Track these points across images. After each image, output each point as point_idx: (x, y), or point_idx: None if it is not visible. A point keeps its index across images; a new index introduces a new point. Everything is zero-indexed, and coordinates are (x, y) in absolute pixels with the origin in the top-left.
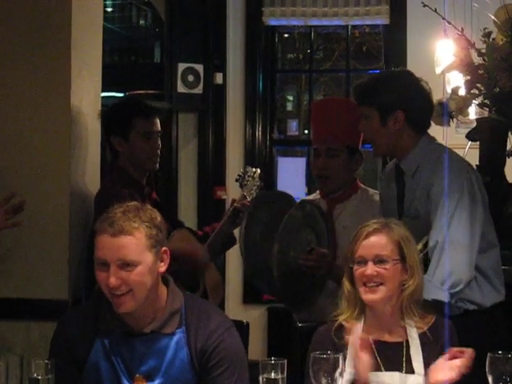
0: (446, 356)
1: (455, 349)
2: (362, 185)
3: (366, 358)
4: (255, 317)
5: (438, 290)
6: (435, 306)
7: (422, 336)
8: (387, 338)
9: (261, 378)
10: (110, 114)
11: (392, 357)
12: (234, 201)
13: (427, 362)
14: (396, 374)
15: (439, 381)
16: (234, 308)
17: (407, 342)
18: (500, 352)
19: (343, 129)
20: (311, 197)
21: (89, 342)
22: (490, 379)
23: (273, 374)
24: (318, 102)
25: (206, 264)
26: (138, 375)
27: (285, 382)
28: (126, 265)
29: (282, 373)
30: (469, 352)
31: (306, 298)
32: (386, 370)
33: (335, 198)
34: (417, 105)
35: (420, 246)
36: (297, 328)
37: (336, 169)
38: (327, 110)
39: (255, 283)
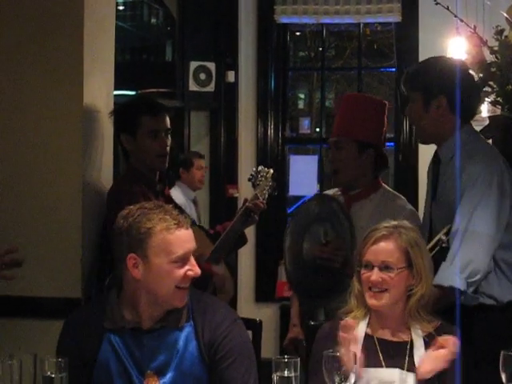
0: (433, 347)
1: (440, 338)
2: (385, 186)
3: (353, 354)
4: (268, 315)
5: (455, 277)
6: (449, 295)
7: (426, 337)
8: (391, 337)
9: (274, 376)
10: (119, 113)
11: (395, 355)
12: (246, 200)
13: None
14: (396, 370)
15: (427, 371)
16: (247, 306)
17: (411, 341)
18: None
19: (350, 122)
20: (330, 192)
21: (96, 341)
22: (503, 377)
23: (286, 372)
24: (345, 95)
25: (217, 273)
26: (149, 371)
27: (298, 379)
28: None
29: (296, 371)
30: (452, 340)
31: (323, 295)
32: (387, 367)
33: (353, 195)
34: (460, 92)
35: (440, 235)
36: (309, 326)
37: (343, 161)
38: (342, 105)
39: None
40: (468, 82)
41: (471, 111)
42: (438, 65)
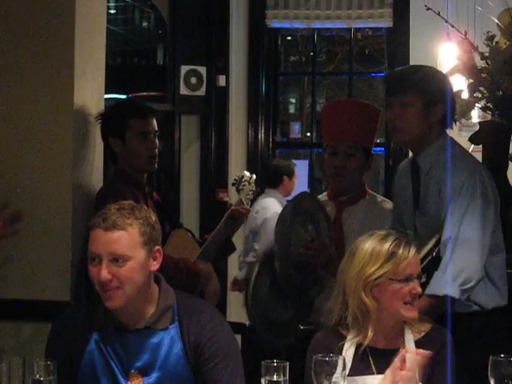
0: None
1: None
2: (369, 190)
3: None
4: None
5: (450, 286)
6: (443, 304)
7: (417, 344)
8: (383, 344)
9: (263, 381)
10: (106, 116)
11: (386, 363)
12: (231, 205)
13: (421, 369)
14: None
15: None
16: (236, 310)
17: (403, 347)
18: (502, 355)
19: (362, 130)
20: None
21: (83, 340)
22: (492, 382)
23: (275, 376)
24: (336, 101)
25: (205, 273)
26: (133, 371)
27: None
28: (117, 259)
29: (284, 375)
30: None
31: (309, 294)
32: (378, 374)
33: (344, 201)
34: (453, 101)
35: (430, 245)
36: (299, 330)
37: (352, 169)
38: (348, 109)
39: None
40: (452, 91)
41: (450, 120)
42: (438, 73)
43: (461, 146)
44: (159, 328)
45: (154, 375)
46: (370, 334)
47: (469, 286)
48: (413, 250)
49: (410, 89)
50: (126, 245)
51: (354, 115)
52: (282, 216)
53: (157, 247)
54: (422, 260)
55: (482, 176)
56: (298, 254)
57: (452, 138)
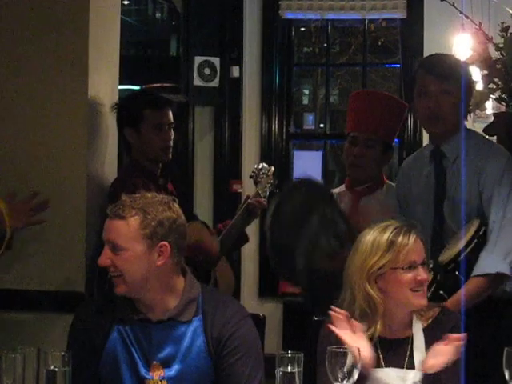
0: (442, 342)
1: (451, 335)
2: (387, 180)
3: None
4: (271, 310)
5: (501, 264)
6: (494, 283)
7: (426, 331)
8: (391, 334)
9: (277, 372)
10: (122, 107)
11: (395, 353)
12: (248, 197)
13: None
14: (393, 370)
15: (429, 366)
16: (250, 301)
17: (412, 337)
18: None
19: (383, 122)
20: (337, 190)
21: (106, 330)
22: (506, 374)
23: (289, 367)
24: (361, 92)
25: (218, 257)
26: (155, 362)
27: (301, 375)
28: (115, 248)
29: (299, 366)
30: (457, 337)
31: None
32: (386, 366)
33: (361, 190)
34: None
35: (472, 231)
36: (312, 322)
37: (370, 160)
38: (373, 101)
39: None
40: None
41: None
42: (463, 63)
43: (480, 134)
44: (182, 320)
45: (175, 367)
46: (378, 327)
47: None
48: (413, 237)
49: (452, 78)
50: (123, 235)
51: (378, 107)
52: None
53: (162, 243)
54: (466, 247)
55: None
56: (323, 266)
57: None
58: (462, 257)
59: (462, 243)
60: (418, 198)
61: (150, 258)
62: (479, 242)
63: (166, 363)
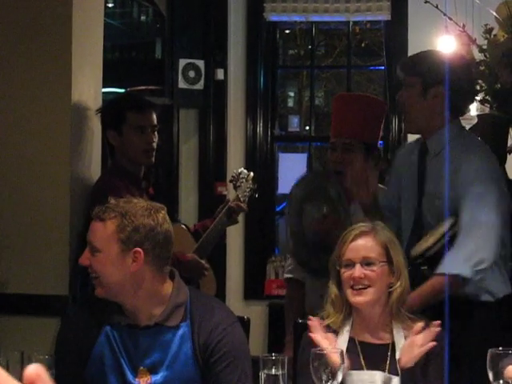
0: (412, 334)
1: (415, 326)
2: (379, 185)
3: (340, 352)
4: (256, 313)
5: (462, 265)
6: (454, 284)
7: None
8: (373, 339)
9: (261, 374)
10: (105, 110)
11: (376, 358)
12: (228, 201)
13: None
14: (377, 373)
15: (406, 360)
16: (235, 304)
17: (393, 344)
18: (500, 348)
19: (361, 124)
20: None
21: (94, 334)
22: (490, 375)
23: (273, 369)
24: (338, 96)
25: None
26: (141, 368)
27: (285, 377)
28: (92, 249)
29: (283, 369)
30: (422, 324)
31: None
32: (368, 370)
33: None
34: (459, 85)
35: (445, 228)
36: (296, 324)
37: (350, 164)
38: (346, 104)
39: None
40: (468, 77)
41: (464, 107)
42: (441, 55)
43: (472, 134)
44: (169, 325)
45: (162, 373)
46: (354, 326)
47: (481, 267)
48: (352, 236)
49: (406, 69)
50: (99, 237)
51: (356, 110)
52: (291, 197)
53: (137, 249)
54: (435, 244)
55: (497, 164)
56: (311, 232)
57: (464, 127)
58: (431, 252)
59: (431, 239)
60: (405, 192)
61: (123, 262)
62: (451, 239)
63: (153, 369)
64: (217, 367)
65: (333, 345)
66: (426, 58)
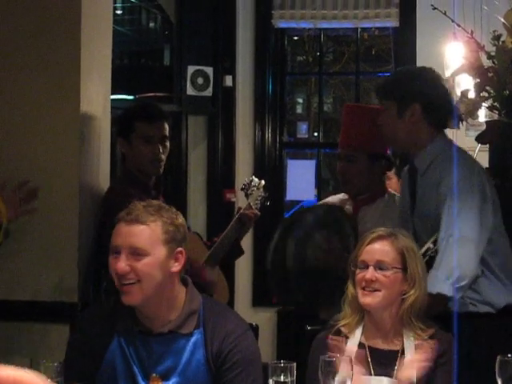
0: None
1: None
2: (390, 190)
3: (349, 359)
4: (264, 320)
5: (442, 284)
6: (438, 302)
7: (417, 346)
8: (383, 345)
9: (270, 381)
10: (117, 117)
11: (385, 364)
12: (240, 208)
13: (420, 372)
14: (384, 379)
15: (404, 376)
16: (244, 311)
17: (403, 350)
18: (510, 355)
19: (365, 135)
20: (340, 196)
21: (106, 340)
22: (499, 382)
23: (282, 376)
24: (346, 106)
25: (210, 280)
26: (154, 375)
27: None
28: (136, 253)
29: (292, 376)
30: (428, 345)
31: (327, 300)
32: (376, 375)
33: (361, 200)
34: (434, 100)
35: (429, 244)
36: (306, 331)
37: (354, 174)
38: (353, 116)
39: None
40: (442, 91)
41: (445, 120)
42: (412, 74)
43: (459, 147)
44: (183, 332)
45: (174, 380)
46: (365, 330)
47: (462, 283)
48: (370, 238)
49: (380, 93)
50: (147, 239)
51: (359, 121)
52: (300, 217)
53: (179, 249)
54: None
55: (480, 176)
56: (314, 258)
57: (450, 140)
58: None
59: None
60: (403, 213)
61: (168, 264)
62: (431, 257)
63: (165, 376)
64: (229, 375)
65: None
66: (398, 80)
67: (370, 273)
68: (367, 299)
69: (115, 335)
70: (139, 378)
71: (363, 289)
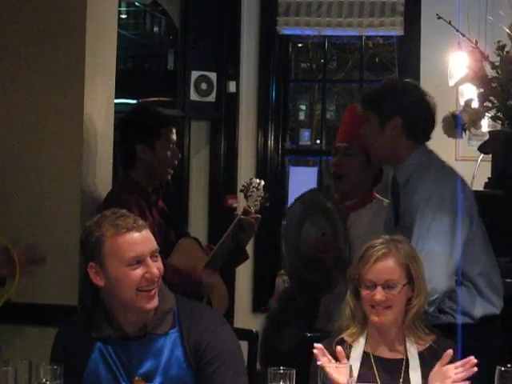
0: (441, 362)
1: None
2: (377, 195)
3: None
4: None
5: None
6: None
7: (421, 355)
8: (387, 354)
9: None
10: (136, 123)
11: (390, 373)
12: (237, 214)
13: (425, 381)
14: None
15: None
16: (243, 317)
17: (407, 359)
18: (509, 366)
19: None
20: None
21: (87, 349)
22: None
23: (281, 383)
24: (349, 107)
25: (207, 281)
26: (136, 378)
27: None
28: (155, 256)
29: (291, 382)
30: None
31: (317, 289)
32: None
33: (350, 205)
34: (416, 115)
35: None
36: (305, 337)
37: (350, 168)
38: (351, 115)
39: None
40: (423, 105)
41: (426, 134)
42: (395, 87)
43: (438, 158)
44: (160, 333)
45: (157, 380)
46: (369, 339)
47: (433, 298)
48: (374, 258)
49: (363, 105)
50: (154, 242)
51: (355, 117)
52: (291, 211)
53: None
54: None
55: (452, 187)
56: (307, 248)
57: (431, 151)
58: None
59: None
60: (387, 223)
61: None
62: None
63: (148, 378)
64: (209, 369)
65: (343, 363)
66: (382, 93)
67: (380, 293)
68: (379, 318)
69: (95, 344)
70: (123, 383)
71: (372, 307)
